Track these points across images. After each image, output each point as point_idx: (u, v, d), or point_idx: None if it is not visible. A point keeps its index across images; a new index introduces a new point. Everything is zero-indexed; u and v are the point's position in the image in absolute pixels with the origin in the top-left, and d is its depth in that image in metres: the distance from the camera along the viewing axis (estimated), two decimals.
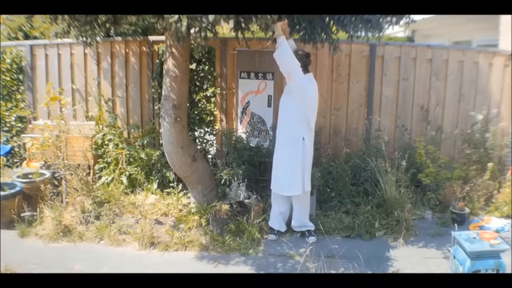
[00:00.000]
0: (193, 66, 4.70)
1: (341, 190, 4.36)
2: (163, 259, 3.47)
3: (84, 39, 4.02)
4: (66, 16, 3.52)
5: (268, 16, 2.77)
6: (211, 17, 2.65)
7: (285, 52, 3.39)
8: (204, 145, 5.02)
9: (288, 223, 3.90)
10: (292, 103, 3.59)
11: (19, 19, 6.70)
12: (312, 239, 3.71)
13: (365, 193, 4.35)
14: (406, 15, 3.42)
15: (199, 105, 4.87)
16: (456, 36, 9.00)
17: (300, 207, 3.78)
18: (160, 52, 4.75)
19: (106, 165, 4.78)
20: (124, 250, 3.62)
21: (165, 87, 3.86)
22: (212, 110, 4.88)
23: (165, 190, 4.56)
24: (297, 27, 3.60)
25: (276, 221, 3.84)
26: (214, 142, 5.04)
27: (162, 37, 4.51)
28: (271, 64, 3.89)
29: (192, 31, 2.80)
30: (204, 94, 4.84)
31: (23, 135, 4.95)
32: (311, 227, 3.81)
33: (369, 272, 3.22)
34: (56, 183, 4.37)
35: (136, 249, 3.63)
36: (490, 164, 4.40)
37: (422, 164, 4.52)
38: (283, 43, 3.38)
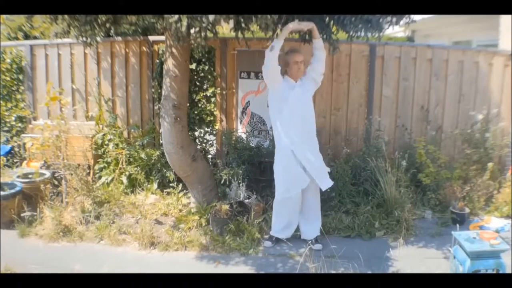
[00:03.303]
0: (193, 66, 4.70)
1: (341, 190, 4.35)
2: (163, 259, 3.48)
3: (84, 39, 4.01)
4: (66, 16, 3.51)
5: (268, 16, 2.77)
6: (211, 17, 2.65)
7: (272, 60, 3.29)
8: (204, 145, 5.02)
9: None
10: (311, 104, 3.60)
11: (19, 19, 6.69)
12: (318, 246, 3.58)
13: (365, 193, 4.35)
14: (406, 15, 3.41)
15: (199, 105, 4.87)
16: (456, 36, 9.00)
17: (313, 213, 3.68)
18: (160, 52, 4.75)
19: (106, 165, 4.78)
20: (124, 250, 3.62)
21: (165, 87, 3.86)
22: (212, 110, 4.88)
23: (165, 190, 4.56)
24: None
25: (285, 230, 3.69)
26: (214, 142, 5.04)
27: (162, 37, 4.51)
28: None
29: (192, 31, 2.80)
30: (204, 94, 4.84)
31: (23, 135, 4.94)
32: (317, 233, 3.69)
33: (369, 272, 3.22)
34: (56, 183, 4.37)
35: (136, 249, 3.63)
36: (490, 164, 4.40)
37: (422, 164, 4.52)
38: (275, 48, 3.27)
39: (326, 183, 3.57)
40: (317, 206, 3.69)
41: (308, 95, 3.55)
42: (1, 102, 5.17)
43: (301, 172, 3.47)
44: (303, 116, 3.50)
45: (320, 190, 3.64)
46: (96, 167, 4.78)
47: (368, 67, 4.82)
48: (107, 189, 4.47)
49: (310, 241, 3.63)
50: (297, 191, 3.52)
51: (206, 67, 4.78)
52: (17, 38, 6.59)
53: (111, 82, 5.05)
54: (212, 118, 4.91)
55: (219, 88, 4.82)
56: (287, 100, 3.44)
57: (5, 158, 4.95)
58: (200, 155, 4.26)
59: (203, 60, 4.78)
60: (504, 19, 6.23)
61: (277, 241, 3.73)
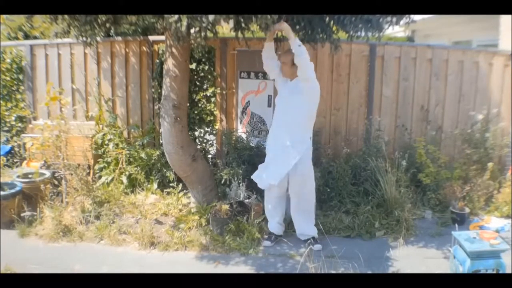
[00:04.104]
0: (193, 66, 4.70)
1: (341, 190, 4.36)
2: (163, 259, 3.48)
3: (84, 39, 4.01)
4: (66, 16, 3.51)
5: (268, 16, 2.77)
6: (211, 17, 2.65)
7: (307, 57, 3.27)
8: (204, 145, 5.02)
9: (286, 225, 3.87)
10: (303, 104, 3.45)
11: (19, 19, 6.70)
12: (317, 247, 3.57)
13: (365, 193, 4.35)
14: (406, 15, 3.42)
15: (199, 105, 4.87)
16: (456, 36, 8.99)
17: (303, 213, 3.67)
18: (160, 52, 4.75)
19: (106, 165, 4.78)
20: (124, 250, 3.62)
21: (165, 87, 3.86)
22: (212, 110, 4.88)
23: (165, 190, 4.56)
24: (297, 27, 3.60)
25: (276, 225, 3.74)
26: (214, 142, 5.04)
27: (162, 37, 4.51)
28: None
29: (192, 31, 2.80)
30: (204, 94, 4.84)
31: (23, 135, 4.95)
32: (314, 233, 3.68)
33: (369, 272, 3.22)
34: (56, 183, 4.37)
35: (136, 249, 3.63)
36: (490, 164, 4.40)
37: (422, 164, 4.52)
38: (303, 47, 3.25)
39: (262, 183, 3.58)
40: (300, 206, 3.65)
41: (296, 98, 3.44)
42: (1, 102, 5.18)
43: (269, 173, 3.52)
44: (287, 119, 3.49)
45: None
46: (96, 167, 4.78)
47: (368, 67, 4.82)
48: (107, 189, 4.47)
49: (309, 241, 3.63)
50: (262, 187, 3.61)
51: (206, 67, 4.78)
52: (17, 38, 6.60)
53: (111, 82, 5.05)
54: (212, 118, 4.91)
55: (219, 88, 4.82)
56: (279, 96, 3.61)
57: (5, 158, 4.95)
58: (200, 155, 4.26)
59: (203, 60, 4.78)
60: (504, 19, 6.23)
61: (277, 240, 3.73)
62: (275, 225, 3.75)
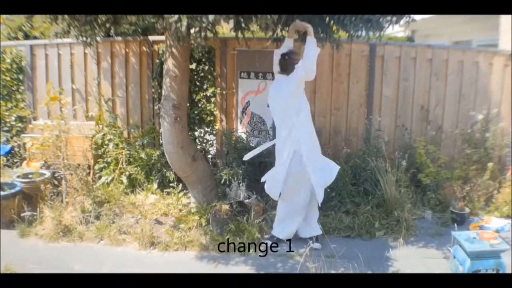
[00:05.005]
0: (193, 66, 4.70)
1: (341, 190, 4.35)
2: (163, 259, 3.48)
3: (84, 39, 4.02)
4: (66, 16, 3.51)
5: (268, 16, 2.77)
6: (211, 17, 2.65)
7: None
8: (204, 145, 5.02)
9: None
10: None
11: (19, 19, 6.69)
12: (317, 245, 3.56)
13: (365, 193, 4.35)
14: (406, 15, 3.42)
15: (199, 105, 4.87)
16: (456, 36, 9.00)
17: (312, 212, 3.68)
18: (160, 52, 4.75)
19: (106, 165, 4.78)
20: (124, 250, 3.62)
21: (165, 87, 3.86)
22: (212, 110, 4.88)
23: (165, 190, 4.56)
24: None
25: (284, 229, 3.68)
26: (214, 142, 5.04)
27: (162, 37, 4.51)
28: (271, 64, 3.89)
29: (192, 31, 2.80)
30: (204, 94, 4.84)
31: (23, 135, 4.95)
32: (319, 232, 3.68)
33: (369, 272, 3.22)
34: (56, 183, 4.37)
35: (136, 249, 3.63)
36: (490, 164, 4.40)
37: (422, 164, 4.52)
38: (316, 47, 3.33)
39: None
40: (311, 204, 3.66)
41: (287, 90, 3.40)
42: (1, 102, 5.18)
43: (279, 179, 3.47)
44: (280, 113, 3.50)
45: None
46: (96, 167, 4.78)
47: (368, 67, 4.82)
48: (107, 189, 4.47)
49: (311, 240, 3.62)
50: (270, 193, 3.60)
51: (206, 67, 4.78)
52: (17, 38, 6.59)
53: (111, 82, 5.05)
54: (212, 118, 4.91)
55: (219, 88, 4.82)
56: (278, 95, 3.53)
57: (5, 158, 4.95)
58: (200, 155, 4.26)
59: (203, 60, 4.78)
60: (504, 19, 6.23)
61: (278, 241, 3.72)
62: (279, 229, 3.70)
